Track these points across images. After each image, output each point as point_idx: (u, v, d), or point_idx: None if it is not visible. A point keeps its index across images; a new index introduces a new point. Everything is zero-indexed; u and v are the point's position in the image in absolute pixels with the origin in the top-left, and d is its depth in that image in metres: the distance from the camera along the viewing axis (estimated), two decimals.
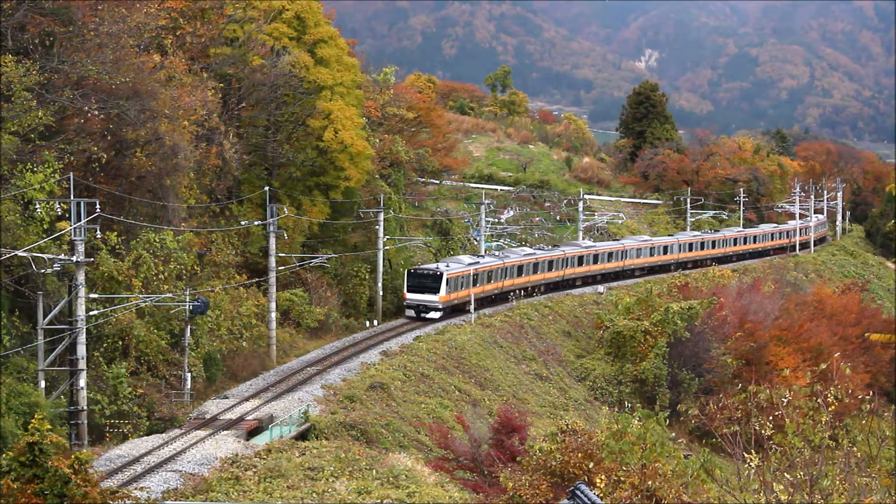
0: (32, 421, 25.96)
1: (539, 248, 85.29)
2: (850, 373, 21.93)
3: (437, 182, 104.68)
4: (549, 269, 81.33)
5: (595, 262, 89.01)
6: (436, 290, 67.03)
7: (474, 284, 70.82)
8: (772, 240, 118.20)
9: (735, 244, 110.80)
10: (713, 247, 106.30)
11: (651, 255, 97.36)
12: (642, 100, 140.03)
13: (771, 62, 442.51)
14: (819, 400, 20.66)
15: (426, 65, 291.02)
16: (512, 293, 76.82)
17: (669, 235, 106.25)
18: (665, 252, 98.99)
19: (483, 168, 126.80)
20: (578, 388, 67.21)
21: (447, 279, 67.13)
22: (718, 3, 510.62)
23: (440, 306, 67.20)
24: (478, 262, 72.10)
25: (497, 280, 74.42)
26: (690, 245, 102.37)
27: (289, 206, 60.35)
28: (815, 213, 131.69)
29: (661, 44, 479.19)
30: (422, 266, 70.54)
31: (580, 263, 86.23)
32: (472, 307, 69.76)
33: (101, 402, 41.37)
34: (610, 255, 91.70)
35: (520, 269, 77.40)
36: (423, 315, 67.30)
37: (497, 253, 76.89)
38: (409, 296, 67.60)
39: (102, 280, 43.93)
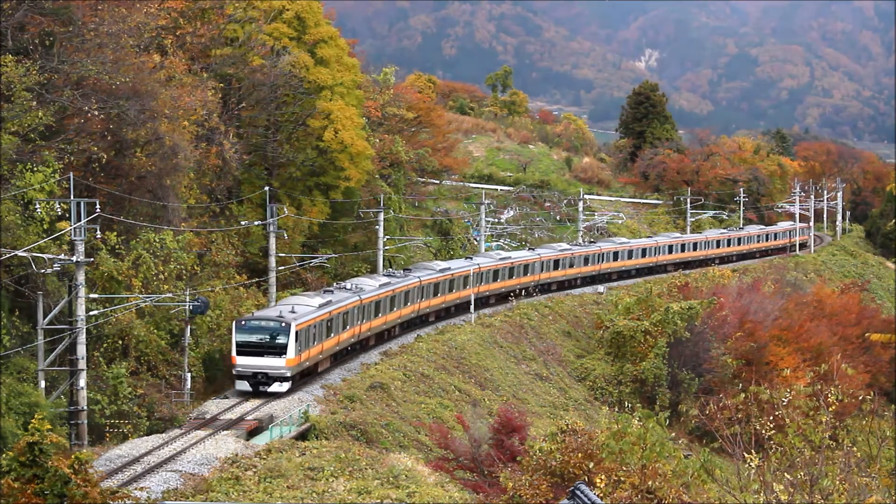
0: (32, 421, 25.98)
1: (390, 274, 63.93)
2: (853, 373, 22.00)
3: (437, 182, 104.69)
4: (406, 302, 61.96)
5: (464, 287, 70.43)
6: (281, 351, 46.35)
7: (328, 334, 51.39)
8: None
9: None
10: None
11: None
12: (642, 100, 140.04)
13: (771, 62, 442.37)
14: (819, 400, 20.68)
15: (426, 65, 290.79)
16: (369, 339, 58.62)
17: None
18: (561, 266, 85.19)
19: (483, 168, 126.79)
20: (578, 388, 67.21)
21: (297, 332, 46.82)
22: (718, 3, 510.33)
23: (288, 374, 46.64)
24: (330, 301, 52.07)
25: (353, 324, 54.66)
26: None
27: (289, 206, 60.35)
28: (793, 218, 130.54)
29: (661, 44, 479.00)
30: (257, 314, 48.80)
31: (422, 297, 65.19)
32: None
33: (101, 402, 41.38)
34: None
35: (376, 307, 57.49)
36: (262, 388, 46.54)
37: (349, 286, 56.38)
38: (241, 361, 46.40)
39: (102, 280, 43.95)
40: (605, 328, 71.76)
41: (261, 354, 46.42)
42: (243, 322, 47.27)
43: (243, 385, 46.78)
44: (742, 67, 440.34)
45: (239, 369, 46.69)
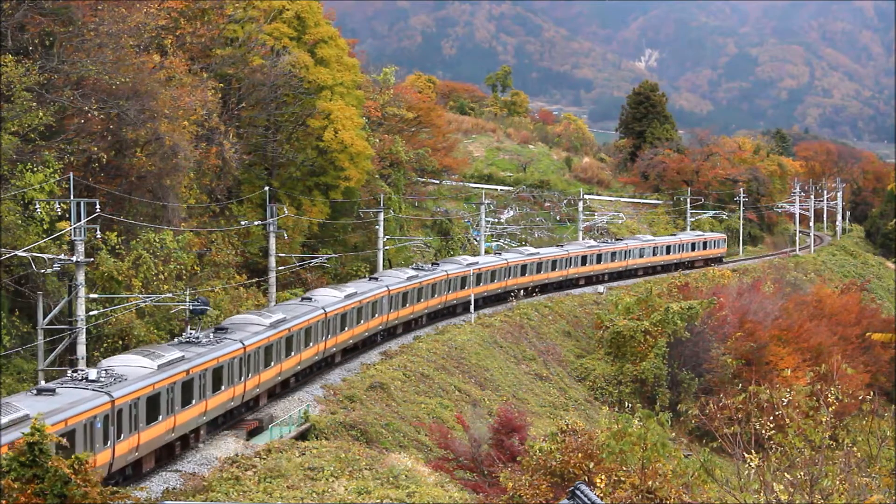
0: (32, 421, 25.97)
1: (188, 341, 40.40)
2: (853, 373, 22.03)
3: (437, 182, 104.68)
4: (216, 388, 38.93)
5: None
6: None
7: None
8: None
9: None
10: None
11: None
12: (642, 100, 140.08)
13: (771, 62, 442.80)
14: (819, 400, 20.68)
15: (426, 65, 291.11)
16: (141, 463, 34.53)
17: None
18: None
19: (483, 168, 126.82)
20: (578, 388, 67.20)
21: None
22: (718, 3, 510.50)
23: None
24: (26, 417, 27.84)
25: (106, 444, 31.46)
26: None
27: (289, 206, 60.35)
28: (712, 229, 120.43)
29: (661, 44, 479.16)
30: None
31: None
32: None
33: None
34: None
35: (151, 407, 34.29)
36: None
37: (95, 377, 32.70)
38: None
39: (102, 280, 43.94)
40: (605, 328, 71.74)
41: None
42: None
43: None
44: (742, 67, 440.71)
45: None
